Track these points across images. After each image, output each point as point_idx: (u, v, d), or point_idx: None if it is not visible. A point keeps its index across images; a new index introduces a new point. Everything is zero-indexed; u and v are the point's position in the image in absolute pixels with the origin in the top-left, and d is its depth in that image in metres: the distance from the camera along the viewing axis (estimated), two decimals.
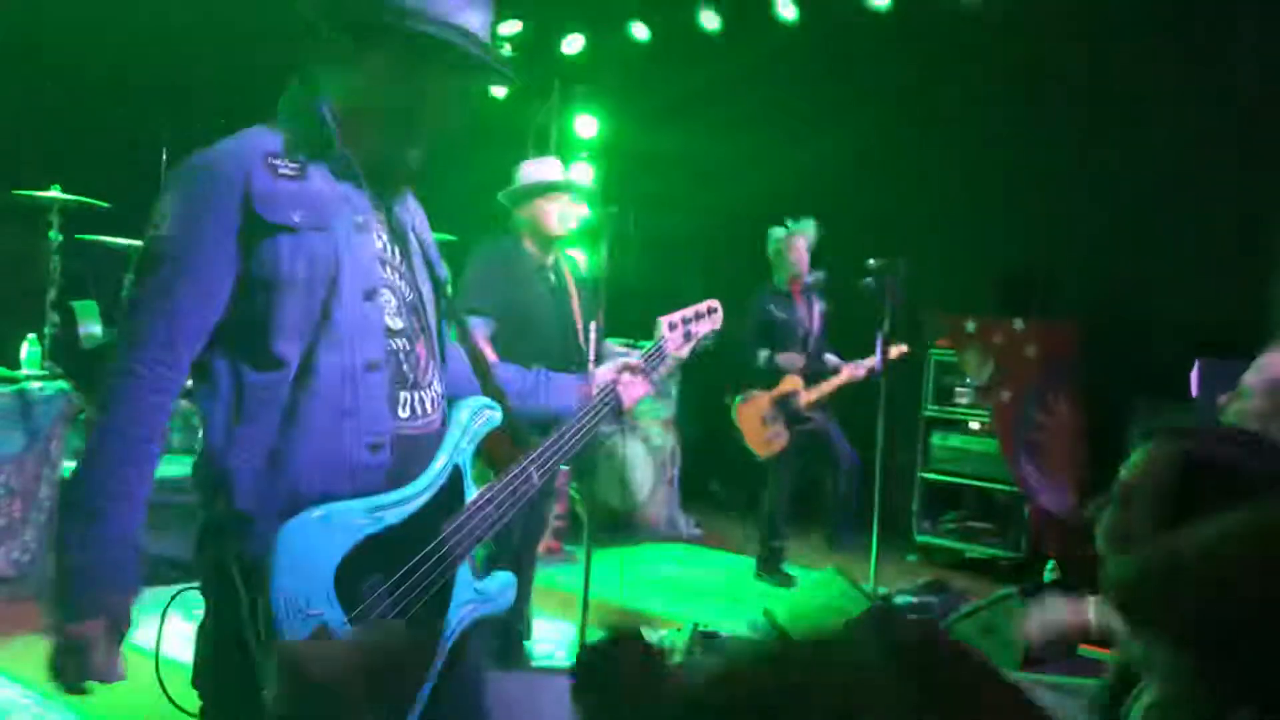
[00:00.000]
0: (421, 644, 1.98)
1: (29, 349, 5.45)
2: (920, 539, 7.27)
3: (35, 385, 5.15)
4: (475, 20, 1.98)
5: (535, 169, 4.64)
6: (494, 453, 2.22)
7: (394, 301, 2.02)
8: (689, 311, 2.72)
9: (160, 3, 7.25)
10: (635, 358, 2.55)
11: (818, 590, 4.83)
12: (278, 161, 1.90)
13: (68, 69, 7.04)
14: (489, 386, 2.26)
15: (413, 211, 2.18)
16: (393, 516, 1.94)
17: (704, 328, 2.75)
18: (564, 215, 4.45)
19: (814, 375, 6.36)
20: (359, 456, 1.92)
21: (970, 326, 6.86)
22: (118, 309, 6.22)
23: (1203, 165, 6.52)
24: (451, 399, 2.17)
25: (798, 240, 6.33)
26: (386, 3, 1.91)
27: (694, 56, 8.30)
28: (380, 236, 2.03)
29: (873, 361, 6.15)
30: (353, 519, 1.89)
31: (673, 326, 2.68)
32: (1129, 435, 6.36)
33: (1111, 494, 1.72)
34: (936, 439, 7.30)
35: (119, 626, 1.84)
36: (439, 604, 2.01)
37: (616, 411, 2.43)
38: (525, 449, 2.19)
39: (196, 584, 2.01)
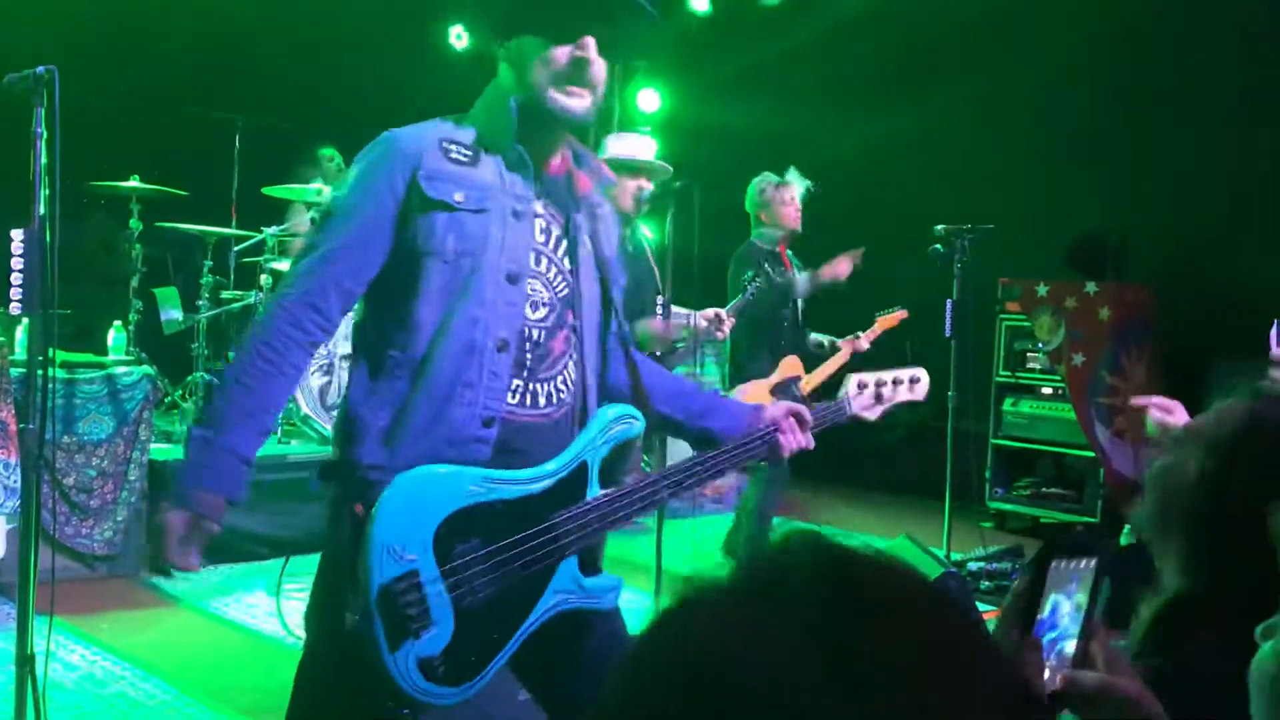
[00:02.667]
0: (503, 616, 2.04)
1: (115, 336, 5.63)
2: (993, 505, 7.24)
3: (122, 370, 5.33)
4: None
5: (618, 144, 4.65)
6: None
7: (544, 293, 2.12)
8: (886, 375, 2.58)
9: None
10: (812, 411, 2.44)
11: (890, 555, 4.83)
12: (451, 146, 2.06)
13: (144, 63, 7.23)
14: (637, 392, 2.30)
15: (600, 221, 2.26)
16: (507, 491, 2.03)
17: (902, 396, 2.60)
18: (642, 193, 4.49)
19: (810, 357, 5.64)
20: (471, 428, 2.03)
21: (1042, 290, 6.79)
22: (197, 293, 6.41)
23: (1278, 125, 6.38)
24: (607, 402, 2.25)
25: (792, 190, 5.53)
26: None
27: (755, 29, 8.27)
28: (545, 230, 2.14)
29: (870, 334, 5.61)
30: (466, 484, 1.99)
31: (862, 386, 2.55)
32: (1209, 393, 6.27)
33: (1173, 436, 1.73)
34: (1008, 405, 7.24)
35: (203, 523, 2.00)
36: (534, 586, 2.07)
37: (770, 455, 2.35)
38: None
39: (292, 557, 2.14)
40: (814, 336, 5.68)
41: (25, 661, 2.81)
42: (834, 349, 5.61)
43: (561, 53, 2.05)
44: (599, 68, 2.09)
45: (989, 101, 7.55)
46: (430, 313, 2.03)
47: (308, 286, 2.03)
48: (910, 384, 2.61)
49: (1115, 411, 6.61)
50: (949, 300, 5.67)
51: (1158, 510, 1.65)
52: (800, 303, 5.63)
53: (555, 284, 2.14)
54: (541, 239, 2.13)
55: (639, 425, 2.24)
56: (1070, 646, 1.21)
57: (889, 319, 5.71)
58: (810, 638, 0.64)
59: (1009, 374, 7.25)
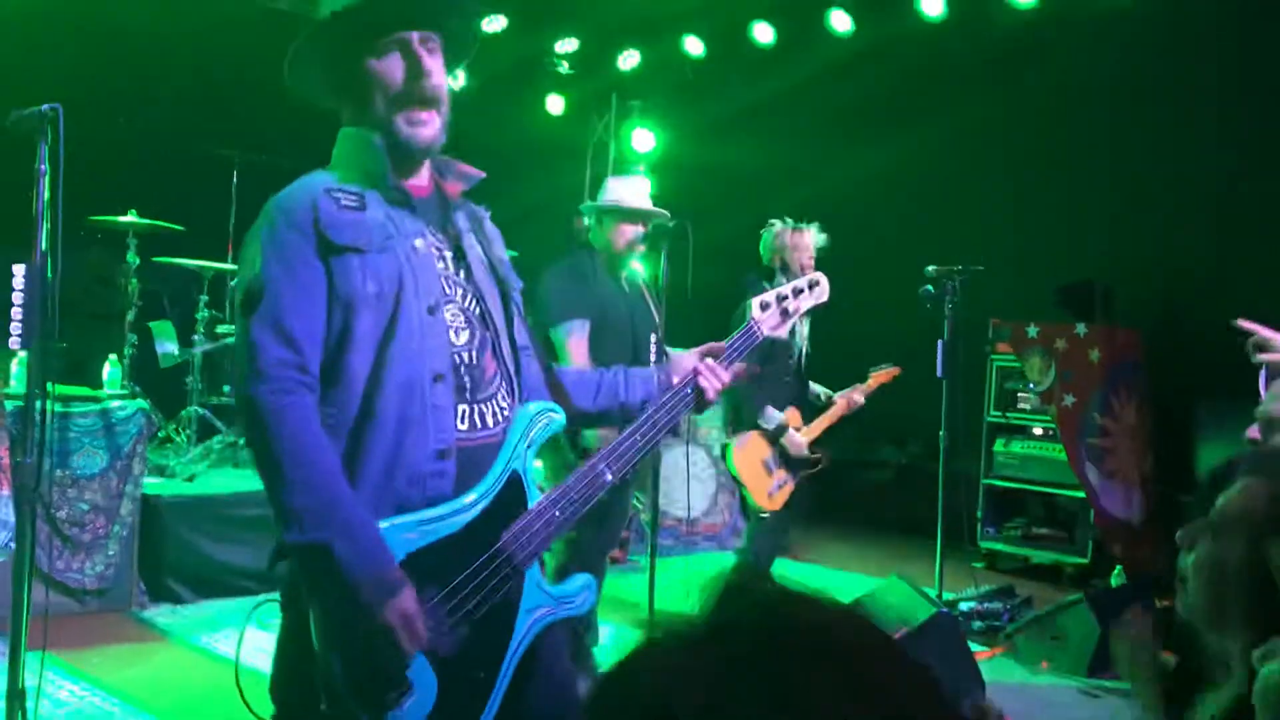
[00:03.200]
0: (483, 653, 2.01)
1: (110, 369, 5.64)
2: (985, 545, 7.24)
3: (116, 404, 5.33)
4: None
5: (620, 188, 4.69)
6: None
7: (460, 317, 2.11)
8: (785, 289, 2.56)
9: (229, 35, 7.46)
10: (727, 343, 2.42)
11: (880, 597, 4.83)
12: (339, 195, 2.05)
13: (143, 99, 7.28)
14: (557, 391, 2.32)
15: (483, 231, 2.29)
16: (446, 527, 1.98)
17: (806, 303, 2.57)
18: (636, 235, 4.54)
19: (808, 409, 5.50)
20: (425, 464, 2.00)
21: (1032, 331, 6.83)
22: (192, 328, 6.42)
23: (1265, 166, 6.46)
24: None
25: (808, 237, 5.41)
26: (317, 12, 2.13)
27: (748, 70, 8.36)
28: (442, 256, 2.14)
29: (865, 389, 5.51)
30: (401, 535, 1.94)
31: (765, 306, 2.52)
32: (1198, 435, 6.31)
33: (1208, 522, 1.70)
34: (999, 445, 7.27)
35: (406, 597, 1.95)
36: (505, 612, 2.03)
37: (698, 404, 2.33)
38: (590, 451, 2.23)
39: (275, 595, 2.10)
40: (813, 387, 5.59)
41: (17, 697, 2.81)
42: (830, 402, 5.52)
43: (393, 66, 2.07)
44: (438, 78, 2.10)
45: (979, 142, 7.64)
46: (361, 361, 2.00)
47: (274, 351, 1.94)
48: (810, 289, 2.59)
49: (1106, 452, 6.64)
50: (940, 341, 5.70)
51: (1212, 603, 1.65)
52: (804, 353, 5.52)
53: (467, 305, 2.15)
54: (441, 265, 2.13)
55: (559, 418, 2.20)
56: None
57: (883, 374, 5.65)
58: (753, 682, 0.66)
59: (1000, 414, 7.28)
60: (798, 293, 2.56)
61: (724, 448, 5.47)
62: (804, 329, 5.45)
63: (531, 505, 2.09)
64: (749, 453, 5.25)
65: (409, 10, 2.08)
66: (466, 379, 2.09)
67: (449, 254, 2.16)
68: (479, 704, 1.99)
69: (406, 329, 2.01)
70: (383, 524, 1.93)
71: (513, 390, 2.19)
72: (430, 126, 2.09)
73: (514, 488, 2.09)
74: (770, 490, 5.28)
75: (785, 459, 5.28)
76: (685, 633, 0.72)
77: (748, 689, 0.66)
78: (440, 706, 1.93)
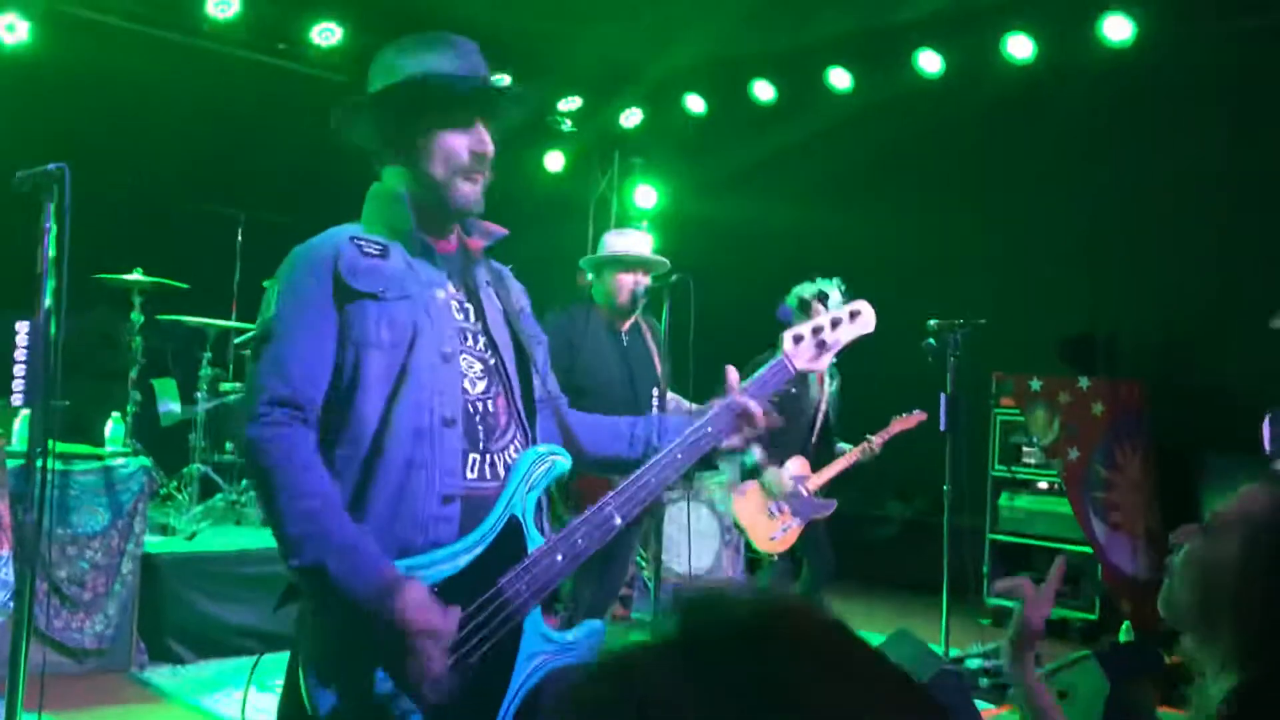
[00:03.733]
0: (479, 701, 1.99)
1: (113, 427, 5.63)
2: (991, 602, 7.18)
3: (119, 462, 5.32)
4: (463, 63, 2.19)
5: (617, 240, 4.74)
6: (585, 499, 2.27)
7: (476, 366, 2.14)
8: (822, 319, 2.38)
9: (235, 94, 7.55)
10: (756, 386, 2.30)
11: (887, 652, 4.78)
12: (362, 242, 2.12)
13: (148, 158, 7.36)
14: (567, 436, 2.33)
15: (504, 285, 2.34)
16: (442, 571, 1.97)
17: (846, 335, 2.39)
18: (638, 289, 4.56)
19: (820, 458, 5.57)
20: (430, 508, 2.01)
21: (1035, 385, 6.83)
22: (195, 386, 6.43)
23: (1266, 215, 6.49)
24: None
25: (826, 297, 5.38)
26: (386, 84, 2.18)
27: (749, 127, 8.44)
28: (461, 308, 2.19)
29: (883, 436, 5.55)
30: (408, 571, 1.95)
31: (798, 339, 2.35)
32: (1203, 486, 6.28)
33: (1203, 524, 1.71)
34: (1005, 500, 7.23)
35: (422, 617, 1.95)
36: (502, 657, 2.01)
37: (719, 444, 2.25)
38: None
39: (269, 654, 2.10)
40: (840, 446, 5.64)
41: None
42: (840, 451, 5.57)
43: (459, 144, 2.16)
44: (491, 152, 2.21)
45: (979, 196, 7.69)
46: (371, 404, 2.04)
47: (274, 391, 1.99)
48: (850, 319, 2.38)
49: (1111, 506, 6.60)
50: (942, 394, 5.69)
51: (1200, 603, 1.65)
52: (824, 412, 5.60)
53: (484, 354, 2.18)
54: (460, 316, 2.18)
55: (563, 462, 2.17)
56: None
57: (907, 420, 5.67)
58: (731, 686, 0.67)
59: (1005, 469, 7.25)
60: (835, 324, 2.38)
61: (727, 496, 5.58)
62: (830, 387, 5.53)
63: (532, 550, 2.07)
64: (750, 499, 5.36)
65: (493, 106, 2.22)
66: (479, 427, 2.11)
67: (469, 306, 2.21)
68: None
69: (419, 374, 2.05)
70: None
71: (527, 442, 2.21)
72: (479, 187, 2.21)
73: (513, 532, 2.07)
74: (773, 534, 5.33)
75: (793, 505, 5.33)
76: (669, 639, 0.73)
77: (727, 690, 0.67)
78: None
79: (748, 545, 5.38)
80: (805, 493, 5.41)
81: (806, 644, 0.72)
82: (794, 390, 5.31)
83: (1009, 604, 7.38)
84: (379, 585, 1.88)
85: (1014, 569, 7.26)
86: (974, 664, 5.71)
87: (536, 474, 2.13)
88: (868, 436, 5.59)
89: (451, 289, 2.20)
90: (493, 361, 2.19)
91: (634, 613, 6.85)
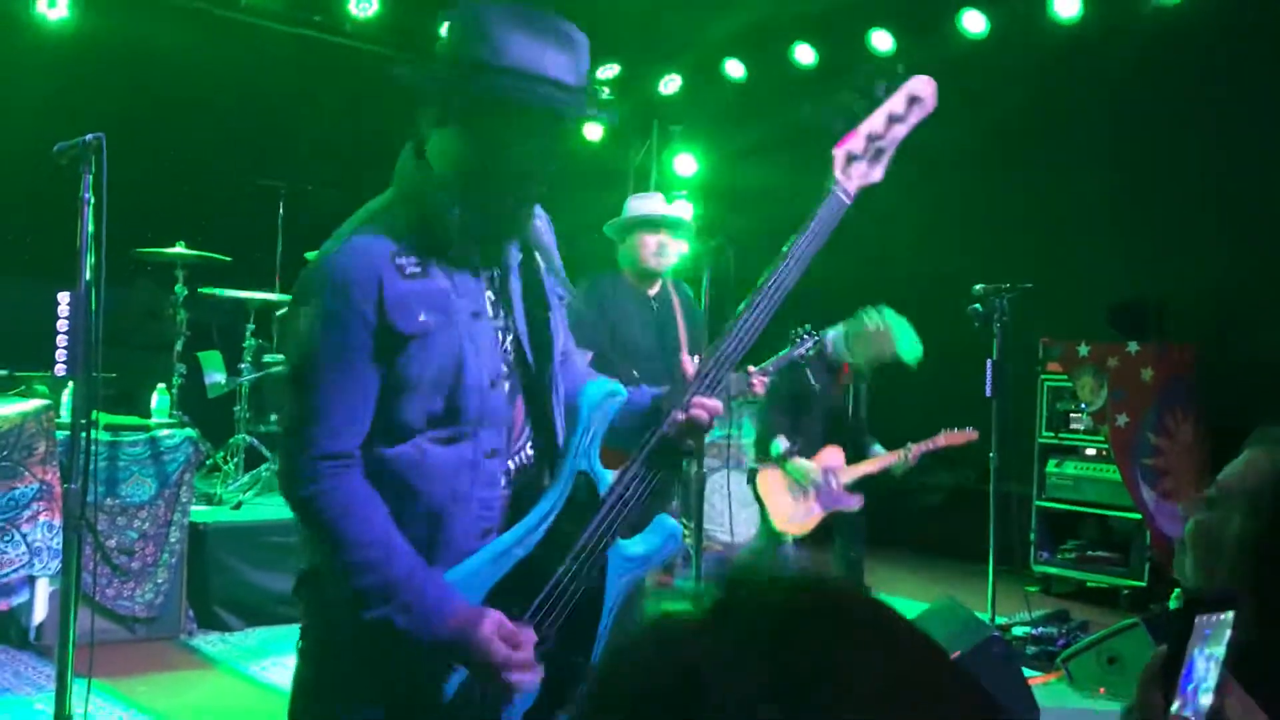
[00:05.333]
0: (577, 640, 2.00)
1: (159, 399, 5.70)
2: (1039, 569, 7.11)
3: (165, 433, 5.38)
4: (561, 63, 1.90)
5: (637, 203, 4.77)
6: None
7: (504, 370, 2.01)
8: (876, 118, 2.11)
9: (276, 66, 7.57)
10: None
11: (932, 621, 4.75)
12: (403, 261, 1.89)
13: (190, 131, 7.40)
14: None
15: (539, 248, 2.14)
16: (521, 550, 1.95)
17: (904, 130, 2.14)
18: (662, 248, 4.53)
19: (856, 452, 5.52)
20: (469, 542, 1.94)
21: (1083, 350, 6.72)
22: (239, 357, 6.48)
23: None
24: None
25: (895, 329, 5.36)
26: (472, 61, 1.87)
27: (790, 92, 8.34)
28: (496, 313, 2.03)
29: (924, 446, 5.46)
30: (478, 575, 1.93)
31: (852, 158, 2.14)
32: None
33: (1207, 495, 1.72)
34: (1052, 466, 7.14)
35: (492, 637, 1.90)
36: (594, 594, 2.01)
37: (682, 445, 2.08)
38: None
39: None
40: (875, 448, 5.58)
41: None
42: (876, 453, 5.53)
43: (531, 155, 1.96)
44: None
45: (1027, 159, 7.56)
46: (411, 434, 1.92)
47: (323, 445, 1.86)
48: (909, 106, 2.07)
49: (1161, 472, 6.50)
50: (989, 360, 5.62)
51: (1204, 571, 1.67)
52: (857, 409, 5.56)
53: (509, 354, 2.04)
54: (496, 322, 2.02)
55: (619, 398, 2.09)
56: (1207, 699, 1.22)
57: (954, 437, 5.54)
58: (758, 656, 0.69)
59: (1052, 435, 7.15)
60: (895, 120, 2.09)
61: (751, 471, 5.53)
62: (855, 384, 5.50)
63: (603, 494, 2.02)
64: (776, 477, 5.31)
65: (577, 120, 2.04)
66: (507, 442, 2.02)
67: (501, 306, 2.05)
68: (578, 683, 1.98)
69: (465, 406, 1.94)
70: (459, 569, 1.91)
71: (542, 435, 2.09)
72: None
73: (585, 486, 2.02)
74: (792, 516, 5.29)
75: (822, 494, 5.29)
76: (698, 612, 0.73)
77: (756, 659, 0.68)
78: (541, 697, 1.93)
79: (763, 519, 5.34)
80: (835, 483, 5.35)
81: (847, 619, 0.72)
82: (820, 390, 5.28)
83: (1055, 571, 7.39)
84: (451, 631, 1.84)
85: (1062, 536, 7.19)
86: (1021, 631, 5.66)
87: (595, 423, 2.06)
88: (909, 444, 5.49)
89: (490, 297, 2.03)
90: (514, 357, 2.05)
91: (676, 580, 6.86)
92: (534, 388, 2.07)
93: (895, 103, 2.07)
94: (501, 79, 1.86)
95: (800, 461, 5.28)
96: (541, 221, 2.15)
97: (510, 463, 2.02)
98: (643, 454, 2.01)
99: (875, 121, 2.06)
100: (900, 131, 2.09)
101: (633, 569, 2.07)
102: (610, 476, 2.03)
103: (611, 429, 2.11)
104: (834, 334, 5.45)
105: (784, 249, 2.05)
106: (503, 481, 2.00)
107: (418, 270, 1.90)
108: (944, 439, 5.52)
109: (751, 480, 5.45)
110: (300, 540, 2.01)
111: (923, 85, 2.10)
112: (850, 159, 2.06)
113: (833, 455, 5.38)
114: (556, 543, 1.97)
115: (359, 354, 1.86)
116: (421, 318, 1.88)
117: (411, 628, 1.83)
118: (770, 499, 5.29)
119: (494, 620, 1.85)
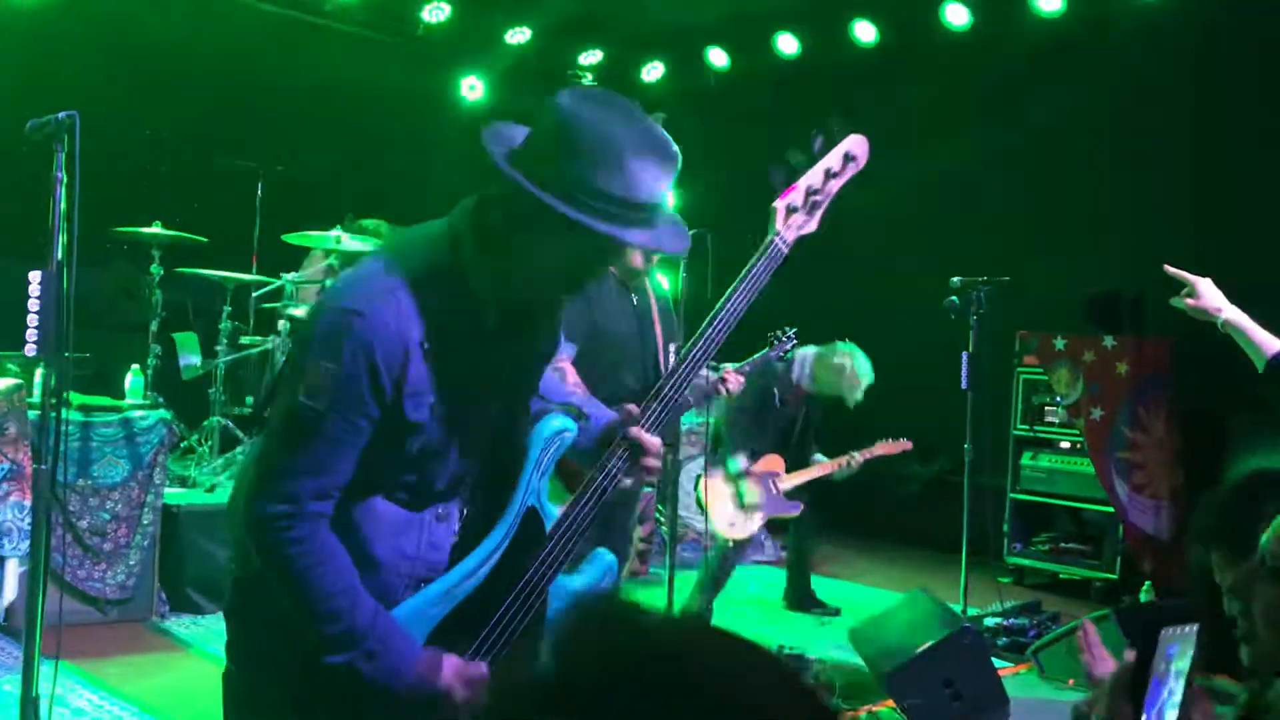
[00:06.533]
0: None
1: (132, 379, 5.66)
2: (1011, 560, 7.16)
3: (139, 414, 5.35)
4: (664, 184, 1.83)
5: None
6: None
7: (486, 447, 2.02)
8: (814, 174, 2.17)
9: (255, 47, 7.52)
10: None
11: (904, 611, 4.78)
12: (428, 345, 1.84)
13: (169, 111, 7.34)
14: None
15: None
16: (467, 587, 1.95)
17: (838, 184, 2.20)
18: (648, 252, 4.49)
19: (795, 462, 5.78)
20: (399, 594, 1.93)
21: (1059, 343, 6.76)
22: (215, 339, 6.44)
23: None
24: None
25: (862, 376, 5.68)
26: (595, 190, 1.77)
27: (773, 81, 8.34)
28: (491, 388, 2.01)
29: (864, 454, 5.75)
30: (424, 613, 1.92)
31: (793, 210, 2.18)
32: (1228, 449, 6.21)
33: (1260, 565, 1.64)
34: (1026, 459, 7.18)
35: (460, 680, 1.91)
36: (537, 629, 2.00)
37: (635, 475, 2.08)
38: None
39: None
40: (817, 456, 5.87)
41: (29, 704, 2.80)
42: (817, 462, 5.83)
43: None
44: None
45: (1005, 152, 7.57)
46: (363, 490, 1.90)
47: (304, 499, 1.82)
48: (844, 164, 2.17)
49: (1134, 466, 6.55)
50: (965, 353, 5.64)
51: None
52: (809, 419, 5.88)
53: (495, 429, 2.05)
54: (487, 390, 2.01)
55: (571, 435, 2.08)
56: (1173, 715, 1.22)
57: (890, 446, 5.86)
58: None
59: (1027, 428, 7.20)
60: (830, 176, 2.17)
61: (696, 478, 5.70)
62: (803, 410, 5.83)
63: (549, 527, 2.03)
64: (720, 484, 5.47)
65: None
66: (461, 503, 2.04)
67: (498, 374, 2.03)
68: None
69: (437, 481, 1.95)
70: (403, 606, 1.90)
71: (499, 486, 2.06)
72: None
73: (532, 521, 2.03)
74: (734, 523, 5.50)
75: (762, 500, 5.55)
76: (531, 689, 0.74)
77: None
78: None
79: (706, 522, 5.46)
80: (774, 489, 5.63)
81: (684, 677, 0.72)
82: (780, 410, 5.59)
83: (1028, 563, 7.45)
84: (416, 678, 1.85)
85: (1035, 528, 7.24)
86: (992, 622, 5.70)
87: (545, 460, 2.06)
88: (852, 453, 5.77)
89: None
90: (497, 425, 2.03)
91: (652, 568, 6.87)
92: (505, 449, 2.05)
93: (832, 159, 2.17)
94: (627, 212, 1.79)
95: (751, 486, 5.53)
96: None
97: (460, 513, 2.03)
98: (589, 489, 2.00)
99: (813, 176, 2.15)
100: (835, 186, 2.19)
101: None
102: (557, 512, 2.03)
103: (575, 451, 2.12)
104: (805, 355, 5.62)
105: (720, 302, 2.13)
106: (450, 540, 2.00)
107: (440, 349, 1.85)
108: (880, 448, 5.83)
109: (696, 485, 5.62)
110: (233, 541, 1.96)
111: (857, 144, 2.20)
112: (790, 211, 2.15)
113: (773, 463, 5.64)
114: (501, 580, 1.96)
115: (361, 412, 1.82)
116: (431, 407, 1.86)
117: (376, 675, 1.83)
118: (714, 506, 5.40)
119: (452, 664, 1.87)
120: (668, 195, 1.89)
